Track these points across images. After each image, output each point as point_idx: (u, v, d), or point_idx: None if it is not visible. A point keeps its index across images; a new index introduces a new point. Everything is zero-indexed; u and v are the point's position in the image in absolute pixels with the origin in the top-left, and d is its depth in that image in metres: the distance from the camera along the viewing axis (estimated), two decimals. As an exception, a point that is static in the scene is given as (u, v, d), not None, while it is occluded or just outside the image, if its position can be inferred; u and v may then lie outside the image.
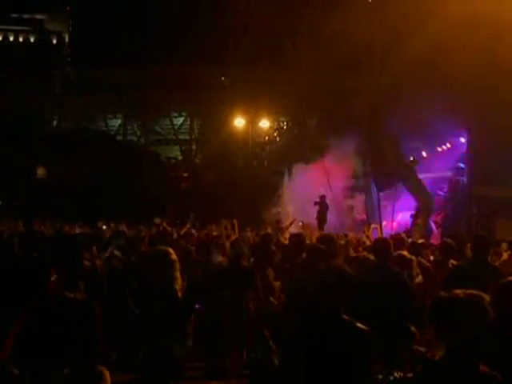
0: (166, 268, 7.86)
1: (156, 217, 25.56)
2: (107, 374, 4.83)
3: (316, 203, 32.02)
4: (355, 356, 5.73)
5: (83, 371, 4.77)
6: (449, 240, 12.72)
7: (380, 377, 7.27)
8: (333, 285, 5.92)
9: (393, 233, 26.07)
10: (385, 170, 31.62)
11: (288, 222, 25.72)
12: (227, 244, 14.84)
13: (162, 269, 7.87)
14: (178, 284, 7.94)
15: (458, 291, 4.64)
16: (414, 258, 10.94)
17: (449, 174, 34.53)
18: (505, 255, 12.79)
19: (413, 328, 9.02)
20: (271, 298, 11.15)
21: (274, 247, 12.22)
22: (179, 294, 7.88)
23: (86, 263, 9.95)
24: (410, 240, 17.93)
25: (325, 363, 5.75)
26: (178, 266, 8.07)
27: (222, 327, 11.22)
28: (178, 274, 7.95)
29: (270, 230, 22.07)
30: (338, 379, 5.73)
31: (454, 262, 11.52)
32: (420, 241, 17.25)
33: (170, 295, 7.76)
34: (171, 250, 8.19)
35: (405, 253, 10.93)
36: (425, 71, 26.82)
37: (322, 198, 32.47)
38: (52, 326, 5.13)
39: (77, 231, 21.63)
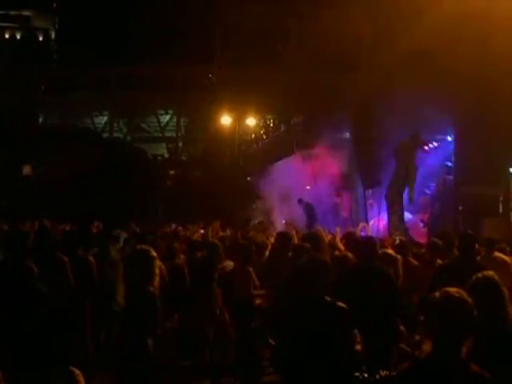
0: (143, 265, 7.90)
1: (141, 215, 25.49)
2: (82, 378, 4.76)
3: (310, 215, 31.82)
4: (336, 330, 6.67)
5: (58, 374, 4.69)
6: (436, 239, 12.73)
7: (365, 375, 7.26)
8: (310, 271, 6.96)
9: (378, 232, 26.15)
10: (371, 167, 31.65)
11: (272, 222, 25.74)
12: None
13: (139, 266, 7.92)
14: (156, 281, 8.00)
15: (446, 289, 4.64)
16: (399, 256, 10.94)
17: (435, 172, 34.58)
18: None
19: (401, 327, 9.00)
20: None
21: (254, 247, 12.35)
22: (155, 291, 7.94)
23: (65, 258, 9.94)
24: (397, 238, 17.91)
25: (309, 338, 6.66)
26: (157, 263, 8.15)
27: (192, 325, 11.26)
28: (156, 272, 8.02)
29: (252, 233, 22.13)
30: (322, 351, 6.62)
31: (440, 262, 11.51)
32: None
33: (146, 292, 7.79)
34: (150, 248, 8.28)
35: (390, 251, 10.95)
36: (413, 68, 26.79)
37: (301, 202, 32.31)
38: (30, 325, 5.04)
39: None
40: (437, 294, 4.67)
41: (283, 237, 11.99)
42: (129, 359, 7.59)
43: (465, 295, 4.63)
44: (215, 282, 11.11)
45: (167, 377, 10.61)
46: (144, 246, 8.70)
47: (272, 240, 15.70)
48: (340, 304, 6.77)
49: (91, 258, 11.44)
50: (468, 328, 4.54)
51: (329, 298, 6.84)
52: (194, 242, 15.26)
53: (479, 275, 5.75)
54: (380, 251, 10.13)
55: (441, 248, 12.10)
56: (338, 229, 18.39)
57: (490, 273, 5.82)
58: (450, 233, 15.70)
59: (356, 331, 7.36)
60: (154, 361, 7.90)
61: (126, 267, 9.01)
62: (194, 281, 11.66)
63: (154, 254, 8.19)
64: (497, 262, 11.56)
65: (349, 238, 12.35)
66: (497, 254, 12.14)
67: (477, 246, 10.56)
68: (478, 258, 11.12)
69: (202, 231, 22.52)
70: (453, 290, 4.65)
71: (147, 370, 7.76)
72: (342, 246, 13.13)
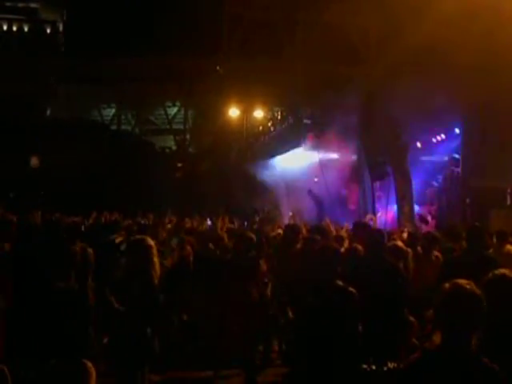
0: (143, 256, 7.88)
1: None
2: (93, 370, 4.77)
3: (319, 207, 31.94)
4: (347, 312, 7.03)
5: (70, 366, 4.70)
6: (434, 232, 12.73)
7: (373, 367, 7.29)
8: (324, 258, 7.54)
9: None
10: (379, 159, 31.60)
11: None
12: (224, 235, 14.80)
13: (138, 256, 7.91)
14: (156, 271, 7.97)
15: (455, 281, 4.64)
16: (409, 249, 10.93)
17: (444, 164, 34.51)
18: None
19: (412, 318, 9.00)
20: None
21: (264, 240, 12.35)
22: (155, 281, 7.91)
23: (76, 248, 9.94)
24: (405, 230, 17.89)
25: (323, 320, 7.03)
26: (154, 251, 8.11)
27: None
28: (155, 260, 7.98)
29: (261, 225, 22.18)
30: (335, 331, 6.96)
31: (438, 254, 11.50)
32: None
33: (145, 282, 7.78)
34: (148, 238, 8.24)
35: (400, 244, 10.92)
36: (420, 60, 26.75)
37: (310, 192, 32.51)
38: (42, 318, 5.05)
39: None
40: (446, 285, 4.68)
41: (291, 229, 12.01)
42: (128, 348, 7.58)
43: (474, 287, 4.63)
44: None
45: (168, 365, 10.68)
46: (140, 236, 8.66)
47: (280, 231, 15.74)
48: (351, 289, 7.16)
49: (90, 250, 11.35)
50: (477, 320, 4.54)
51: (341, 283, 7.24)
52: (203, 233, 15.22)
53: (496, 271, 5.72)
54: (390, 244, 10.13)
55: (438, 240, 12.08)
56: (346, 224, 18.41)
57: (506, 270, 5.79)
58: (458, 225, 15.67)
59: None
60: (154, 349, 7.90)
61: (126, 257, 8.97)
62: (215, 274, 11.59)
63: (151, 242, 8.14)
64: (509, 254, 11.52)
65: (357, 229, 12.28)
66: (509, 246, 12.07)
67: (486, 238, 10.51)
68: (491, 250, 11.07)
69: (209, 223, 22.57)
70: (462, 281, 4.65)
71: (147, 359, 7.77)
72: (347, 241, 13.14)
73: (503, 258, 10.45)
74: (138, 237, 8.55)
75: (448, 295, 4.61)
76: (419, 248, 12.08)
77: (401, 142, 30.42)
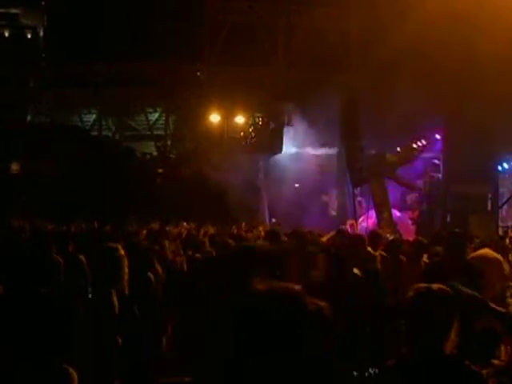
0: (111, 265, 7.76)
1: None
2: (75, 375, 4.70)
3: None
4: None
5: (48, 371, 4.64)
6: (421, 238, 12.76)
7: (355, 373, 7.29)
8: None
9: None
10: (359, 164, 31.69)
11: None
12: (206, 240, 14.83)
13: (107, 265, 7.78)
14: (124, 280, 7.82)
15: (418, 286, 4.64)
16: (377, 253, 10.94)
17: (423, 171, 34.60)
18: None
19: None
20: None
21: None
22: (126, 292, 7.79)
23: (60, 259, 9.85)
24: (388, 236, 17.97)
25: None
26: (125, 262, 7.94)
27: None
28: (124, 271, 7.83)
29: (235, 230, 22.24)
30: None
31: (426, 260, 11.55)
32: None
33: (109, 295, 7.67)
34: (119, 247, 8.08)
35: (369, 248, 10.93)
36: (402, 66, 26.85)
37: None
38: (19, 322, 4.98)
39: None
40: (412, 290, 4.68)
41: (272, 235, 11.99)
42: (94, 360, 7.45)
43: (439, 291, 4.60)
44: None
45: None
46: (112, 244, 8.46)
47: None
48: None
49: (82, 257, 11.26)
50: (445, 323, 4.52)
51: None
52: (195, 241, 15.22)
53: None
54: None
55: (426, 246, 12.12)
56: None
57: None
58: (442, 233, 15.69)
59: None
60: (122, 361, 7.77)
61: (93, 267, 8.80)
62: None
63: (122, 252, 7.95)
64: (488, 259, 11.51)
65: (373, 237, 12.16)
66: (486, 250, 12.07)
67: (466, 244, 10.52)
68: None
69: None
70: (429, 285, 4.63)
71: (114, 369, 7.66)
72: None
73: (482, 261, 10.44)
74: (111, 245, 8.34)
75: (414, 299, 4.61)
76: (402, 256, 12.11)
77: (376, 151, 30.55)
